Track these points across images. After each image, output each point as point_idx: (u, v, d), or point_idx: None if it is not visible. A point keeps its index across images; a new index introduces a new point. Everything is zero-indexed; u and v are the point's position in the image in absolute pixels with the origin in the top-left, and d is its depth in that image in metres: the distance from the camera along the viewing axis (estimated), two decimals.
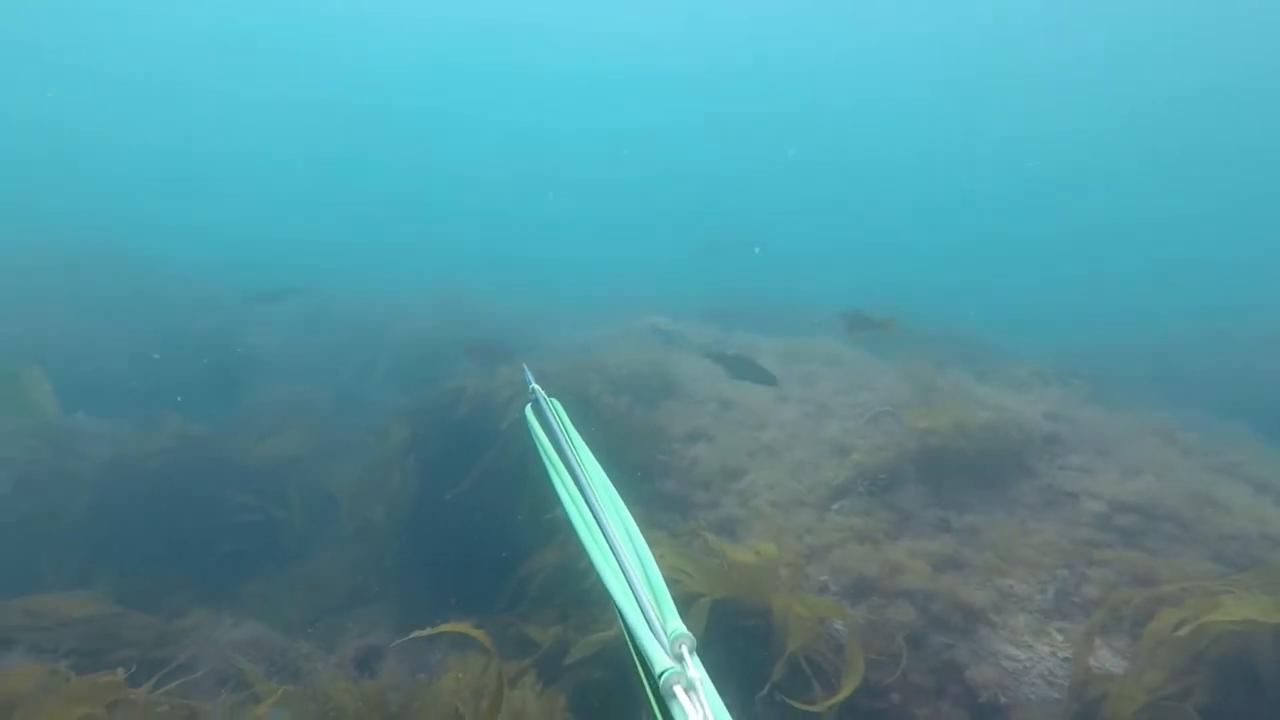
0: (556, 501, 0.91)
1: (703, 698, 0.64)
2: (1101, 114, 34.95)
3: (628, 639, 0.74)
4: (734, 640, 3.34)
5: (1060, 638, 3.22)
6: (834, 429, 4.93)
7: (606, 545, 0.84)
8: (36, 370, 6.11)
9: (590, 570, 0.74)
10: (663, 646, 0.70)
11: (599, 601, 4.25)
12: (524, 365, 1.13)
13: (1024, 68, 33.57)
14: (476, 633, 2.78)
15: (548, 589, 4.64)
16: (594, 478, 0.90)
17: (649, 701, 0.69)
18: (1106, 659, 3.04)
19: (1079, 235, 31.34)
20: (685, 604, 3.39)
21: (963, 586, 3.37)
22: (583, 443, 0.95)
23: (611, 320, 8.75)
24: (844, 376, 5.95)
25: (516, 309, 10.78)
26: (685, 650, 0.70)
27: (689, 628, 0.77)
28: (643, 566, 0.79)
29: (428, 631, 2.75)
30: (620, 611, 0.77)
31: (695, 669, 0.68)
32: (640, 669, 0.71)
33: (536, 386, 1.06)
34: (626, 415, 5.38)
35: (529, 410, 1.05)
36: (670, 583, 3.21)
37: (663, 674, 0.66)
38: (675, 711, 0.63)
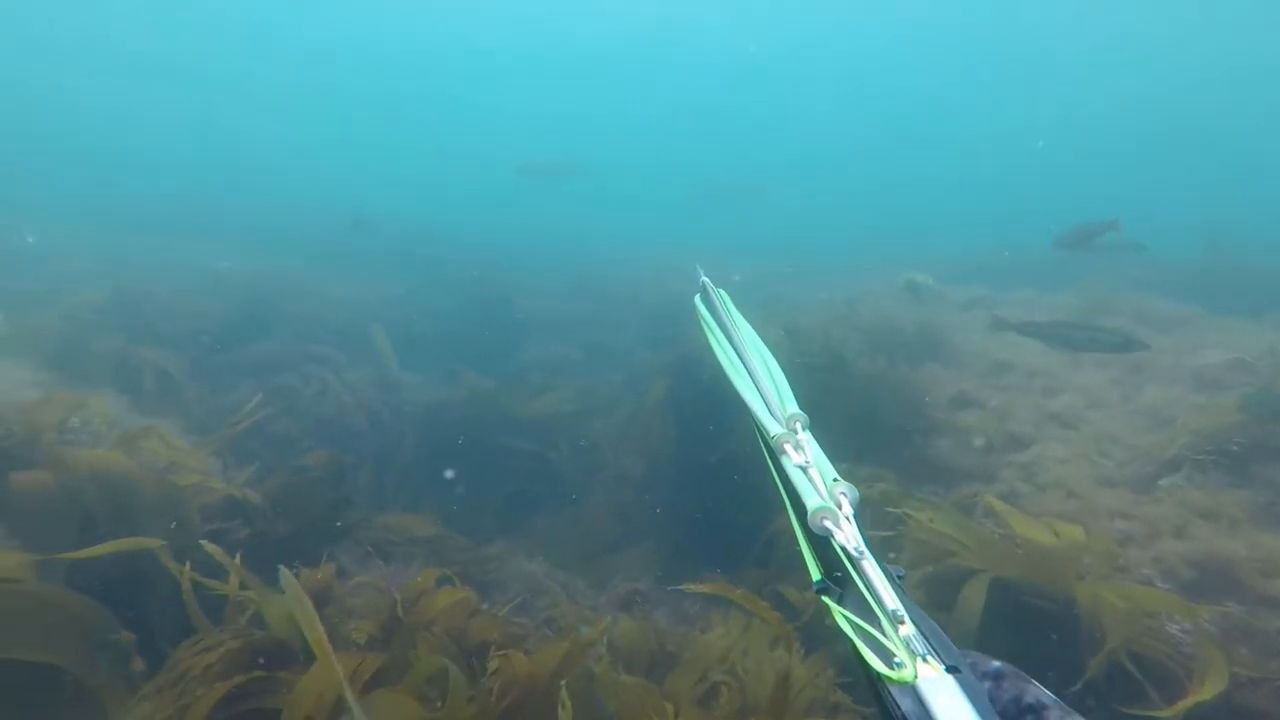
0: (718, 363, 1.05)
1: (808, 450, 0.78)
2: None
3: (755, 426, 0.86)
4: (1023, 629, 2.96)
5: None
6: (1154, 395, 4.06)
7: (744, 368, 0.97)
8: (381, 329, 7.60)
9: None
10: (779, 422, 0.83)
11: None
12: (698, 266, 1.18)
13: None
14: (760, 606, 2.79)
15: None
16: (745, 334, 1.03)
17: (766, 459, 0.83)
18: None
19: None
20: (955, 580, 3.09)
21: None
22: (742, 318, 1.08)
23: (866, 277, 8.23)
24: (1173, 336, 4.86)
25: (768, 271, 10.67)
26: (798, 425, 0.82)
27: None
28: (774, 383, 0.91)
29: (706, 588, 2.83)
30: (748, 404, 0.89)
31: (803, 433, 0.81)
32: (763, 441, 0.83)
33: (706, 279, 1.10)
34: (884, 375, 5.03)
35: (698, 299, 1.16)
36: (941, 554, 2.93)
37: (775, 436, 0.80)
38: (785, 462, 0.77)
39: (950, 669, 0.50)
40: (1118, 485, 3.51)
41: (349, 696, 1.92)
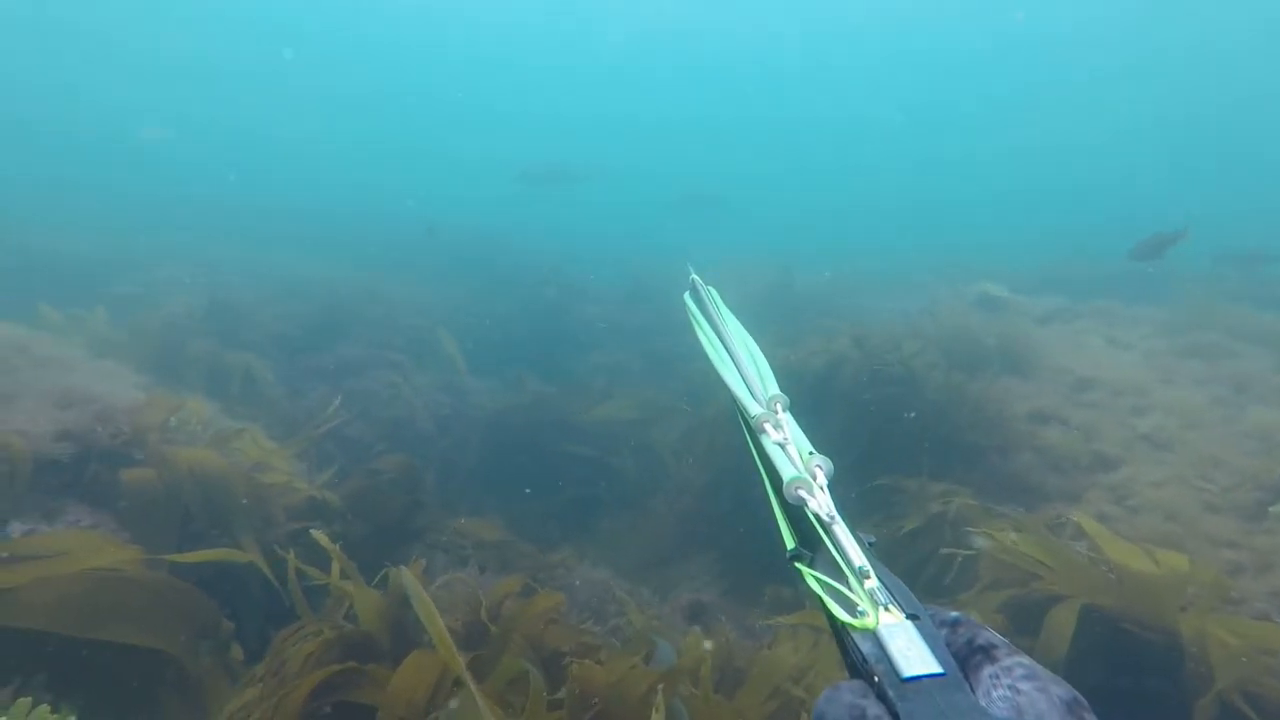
0: (704, 356, 1.05)
1: (786, 429, 0.79)
2: None
3: (737, 408, 0.90)
4: (1119, 661, 2.80)
5: None
6: (1261, 416, 3.79)
7: (728, 355, 1.00)
8: (449, 335, 7.81)
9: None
10: (760, 404, 0.85)
11: (927, 580, 3.96)
12: (687, 263, 1.20)
13: None
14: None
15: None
16: (732, 327, 1.05)
17: (747, 440, 0.85)
18: None
19: None
20: (1039, 606, 2.95)
21: None
22: (729, 312, 1.10)
23: (932, 289, 7.99)
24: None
25: (823, 282, 10.51)
26: (779, 406, 0.84)
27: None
28: (757, 367, 0.96)
29: (794, 619, 2.79)
30: (731, 389, 0.91)
31: (783, 414, 0.83)
32: (744, 424, 0.86)
33: (696, 277, 1.20)
34: (961, 389, 4.86)
35: (687, 296, 1.19)
36: (1025, 577, 2.80)
37: (756, 416, 0.81)
38: (765, 441, 0.78)
39: (910, 616, 0.53)
40: (1223, 511, 3.29)
41: (472, 689, 1.97)
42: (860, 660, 0.52)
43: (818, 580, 0.62)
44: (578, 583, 4.29)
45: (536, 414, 7.48)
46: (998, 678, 0.49)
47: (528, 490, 6.70)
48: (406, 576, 2.29)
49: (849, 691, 0.50)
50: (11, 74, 31.95)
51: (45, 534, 2.64)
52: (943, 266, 11.36)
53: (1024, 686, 0.48)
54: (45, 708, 1.76)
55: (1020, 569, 3.12)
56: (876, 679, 0.49)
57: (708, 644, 2.98)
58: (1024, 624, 2.91)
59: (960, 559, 3.49)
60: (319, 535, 2.76)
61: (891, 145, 41.05)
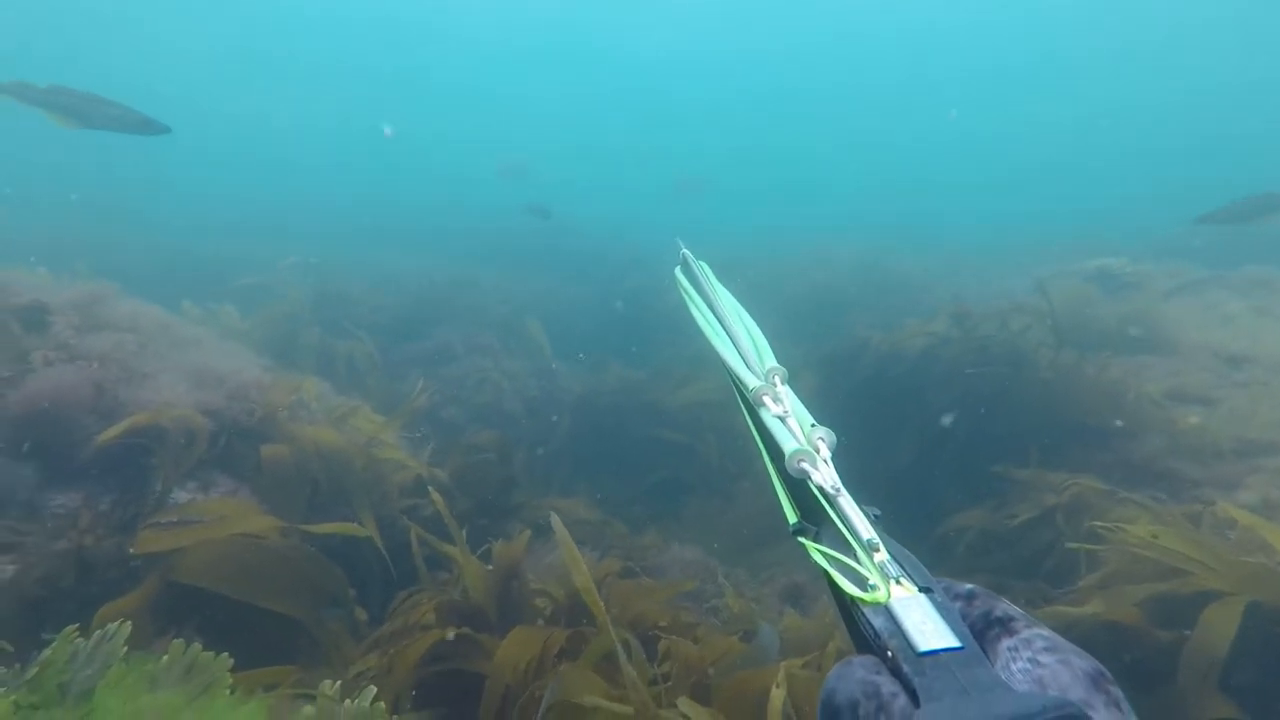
0: (695, 326, 1.05)
1: (786, 401, 0.77)
2: None
3: (733, 382, 0.88)
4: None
5: None
6: None
7: (724, 331, 0.98)
8: (536, 322, 8.00)
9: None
10: (758, 376, 0.82)
11: (1047, 573, 3.73)
12: (678, 240, 1.23)
13: None
14: None
15: (976, 551, 4.26)
16: (725, 301, 1.04)
17: (745, 414, 0.83)
18: None
19: None
20: (1187, 601, 2.70)
21: None
22: (722, 286, 1.09)
23: (1041, 268, 7.46)
24: None
25: (914, 262, 10.05)
26: (777, 379, 0.81)
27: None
28: (753, 341, 0.94)
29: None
30: (727, 363, 0.90)
31: (782, 386, 0.80)
32: (740, 398, 0.84)
33: (687, 252, 1.17)
34: (1077, 369, 4.52)
35: (678, 271, 1.18)
36: (1170, 572, 2.58)
37: (753, 389, 0.79)
38: (763, 414, 0.76)
39: (923, 590, 0.51)
40: None
41: (607, 624, 2.02)
42: (872, 635, 0.50)
43: (825, 555, 0.60)
44: (669, 562, 4.30)
45: (622, 398, 7.55)
46: (1017, 650, 0.47)
47: (614, 471, 6.78)
48: (556, 523, 2.39)
49: (861, 667, 0.48)
50: (165, 93, 35.25)
51: (203, 502, 2.89)
52: (1045, 243, 10.61)
53: (1045, 659, 0.45)
54: (197, 646, 1.92)
55: (1159, 562, 2.88)
56: (890, 654, 0.47)
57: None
58: (1167, 618, 2.69)
59: (1085, 552, 3.26)
60: (438, 500, 2.89)
61: (968, 125, 38.85)
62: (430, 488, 2.96)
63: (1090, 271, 6.55)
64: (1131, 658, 2.62)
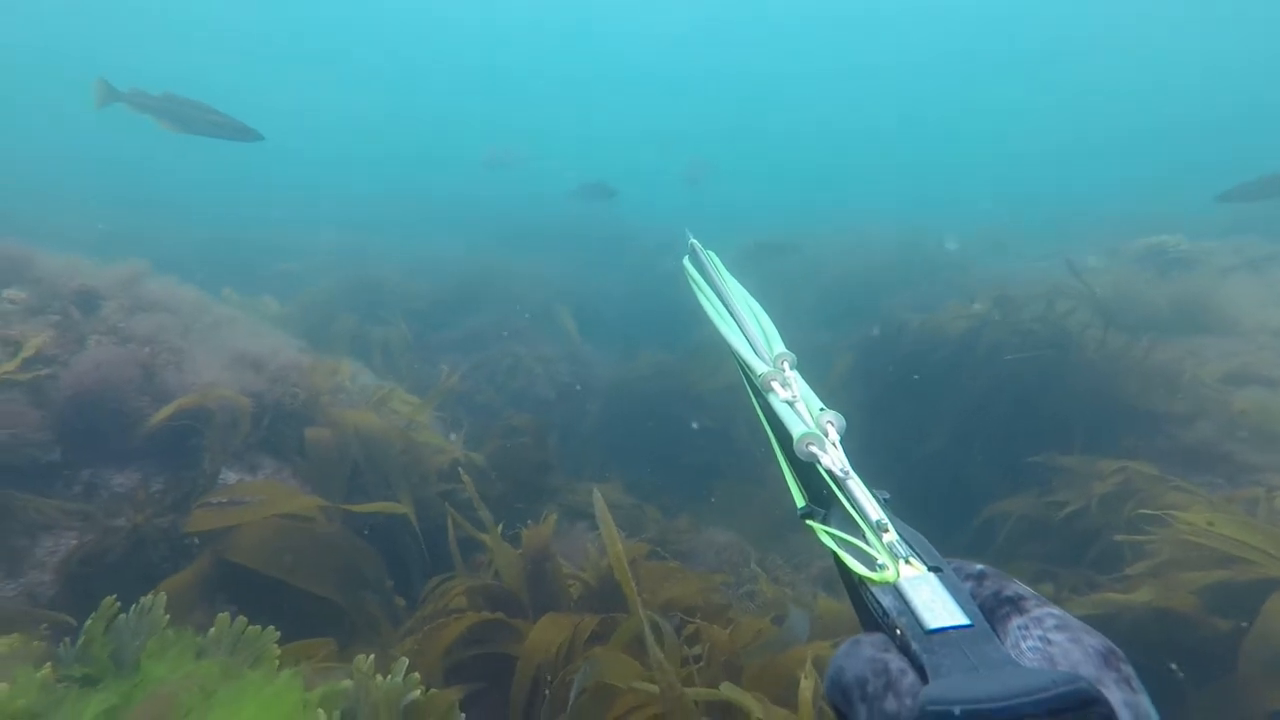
0: (704, 316, 1.05)
1: (795, 386, 0.77)
2: None
3: (741, 368, 0.89)
4: None
5: None
6: None
7: (733, 320, 0.99)
8: (565, 309, 8.03)
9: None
10: (766, 362, 0.83)
11: (1092, 560, 3.62)
12: (686, 230, 1.24)
13: None
14: None
15: (1017, 538, 4.15)
16: (733, 288, 1.05)
17: (753, 401, 0.85)
18: None
19: None
20: (1248, 590, 2.59)
21: None
22: (729, 274, 1.10)
23: (1088, 248, 7.19)
24: None
25: (952, 246, 9.76)
26: (785, 364, 0.82)
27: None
28: (761, 327, 0.95)
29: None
30: (735, 349, 0.91)
31: (791, 371, 0.81)
32: (749, 384, 0.85)
33: (695, 241, 1.18)
34: (1126, 351, 4.35)
35: (687, 260, 1.19)
36: (1227, 559, 2.48)
37: (761, 375, 0.79)
38: (772, 400, 0.77)
39: (932, 568, 0.51)
40: None
41: (638, 605, 2.03)
42: (881, 615, 0.51)
43: (833, 536, 0.60)
44: (703, 546, 4.30)
45: (654, 384, 7.55)
46: (1027, 629, 0.47)
47: (647, 456, 6.79)
48: (597, 499, 2.42)
49: (870, 645, 0.48)
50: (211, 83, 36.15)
51: (250, 483, 2.98)
52: (1092, 222, 10.22)
53: (1055, 637, 0.45)
54: (243, 620, 1.99)
55: (1214, 550, 2.77)
56: (899, 632, 0.48)
57: None
58: (1224, 609, 2.60)
59: (1132, 540, 3.15)
60: (469, 484, 2.92)
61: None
62: (461, 471, 2.99)
63: (1141, 250, 6.27)
64: (1186, 646, 2.54)
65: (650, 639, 2.33)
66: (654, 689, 2.22)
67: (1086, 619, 0.46)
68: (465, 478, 2.92)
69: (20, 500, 2.57)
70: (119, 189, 15.24)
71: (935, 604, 0.48)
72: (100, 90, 4.09)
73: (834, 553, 0.60)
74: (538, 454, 4.76)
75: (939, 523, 4.59)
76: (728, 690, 2.02)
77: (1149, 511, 2.98)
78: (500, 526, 3.05)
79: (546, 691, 2.47)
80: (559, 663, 2.66)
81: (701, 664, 2.55)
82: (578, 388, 7.42)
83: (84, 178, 16.32)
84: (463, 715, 2.20)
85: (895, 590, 0.51)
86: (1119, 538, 3.16)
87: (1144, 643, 2.63)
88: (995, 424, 4.81)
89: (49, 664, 1.71)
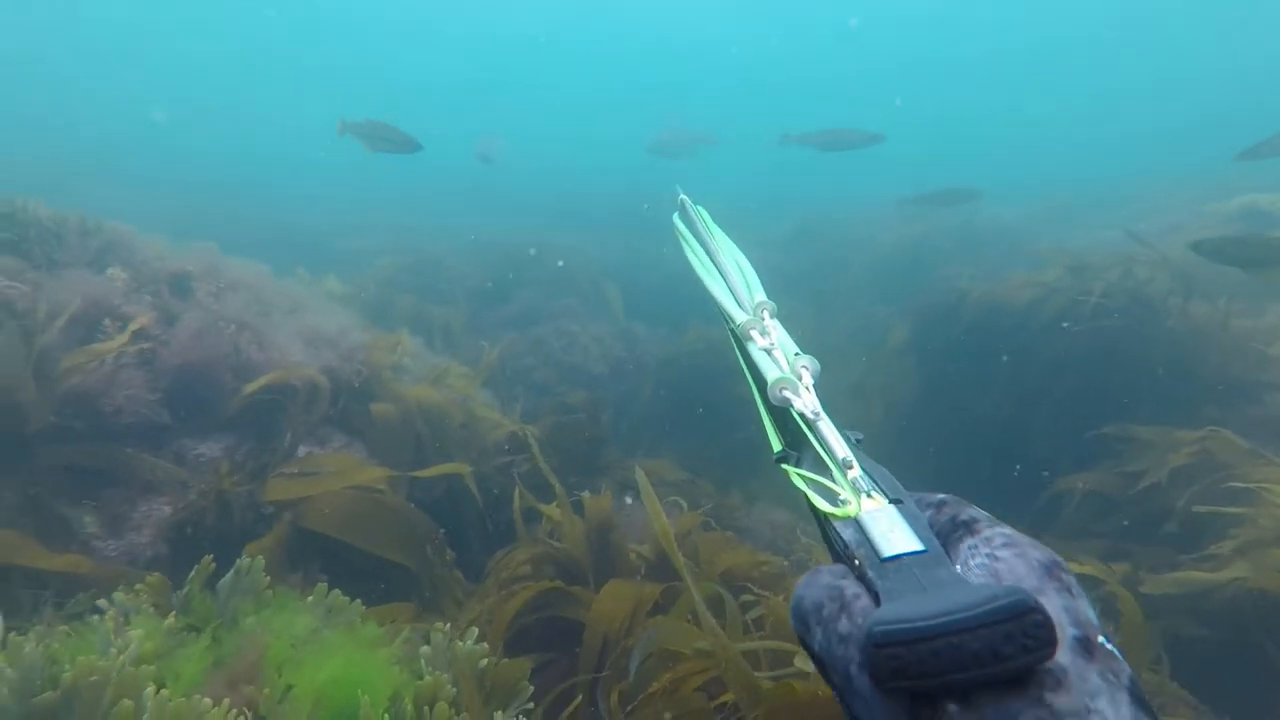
0: (692, 273, 1.04)
1: (773, 334, 0.78)
2: None
3: (722, 318, 0.90)
4: None
5: None
6: None
7: (716, 270, 1.00)
8: (614, 287, 8.05)
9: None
10: (746, 311, 0.84)
11: (1168, 537, 3.47)
12: (676, 186, 1.22)
13: None
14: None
15: (1088, 514, 4.01)
16: (721, 242, 1.07)
17: (736, 351, 0.84)
18: None
19: None
20: None
21: None
22: (719, 228, 1.11)
23: (1168, 214, 6.77)
24: None
25: (1015, 213, 9.37)
26: (765, 313, 0.83)
27: None
28: (744, 277, 0.96)
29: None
30: (717, 299, 0.92)
31: (770, 320, 0.81)
32: (731, 334, 0.86)
33: (684, 197, 1.17)
34: (1210, 319, 4.10)
35: (676, 217, 1.18)
36: None
37: (741, 323, 0.80)
38: (751, 349, 0.77)
39: (893, 501, 0.53)
40: None
41: (699, 607, 2.08)
42: (842, 547, 0.53)
43: (803, 477, 0.62)
44: (756, 521, 4.29)
45: (704, 358, 7.52)
46: (976, 548, 0.49)
47: (698, 430, 6.79)
48: (639, 475, 2.46)
49: (828, 574, 0.50)
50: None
51: (321, 455, 3.14)
52: (1174, 185, 9.59)
53: (1002, 554, 0.47)
54: (337, 592, 2.09)
55: None
56: (856, 562, 0.50)
57: None
58: None
59: (1214, 516, 3.00)
60: (537, 453, 2.99)
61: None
62: (532, 439, 3.05)
63: (1235, 210, 5.85)
64: None
65: (700, 606, 2.37)
66: (705, 646, 2.26)
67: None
68: (534, 447, 2.99)
69: (137, 459, 2.77)
70: (192, 173, 15.91)
71: (892, 533, 0.49)
72: (341, 125, 5.28)
73: (803, 493, 0.62)
74: (591, 429, 4.82)
75: (1004, 496, 4.47)
76: (800, 661, 2.03)
77: (1241, 485, 2.83)
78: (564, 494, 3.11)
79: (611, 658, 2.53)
80: (621, 632, 2.72)
81: (764, 632, 2.57)
82: (629, 366, 7.45)
83: (153, 160, 17.09)
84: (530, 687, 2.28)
85: (856, 524, 0.53)
86: (1200, 509, 3.01)
87: (1235, 624, 2.52)
88: (1064, 395, 4.62)
89: (172, 613, 1.85)
